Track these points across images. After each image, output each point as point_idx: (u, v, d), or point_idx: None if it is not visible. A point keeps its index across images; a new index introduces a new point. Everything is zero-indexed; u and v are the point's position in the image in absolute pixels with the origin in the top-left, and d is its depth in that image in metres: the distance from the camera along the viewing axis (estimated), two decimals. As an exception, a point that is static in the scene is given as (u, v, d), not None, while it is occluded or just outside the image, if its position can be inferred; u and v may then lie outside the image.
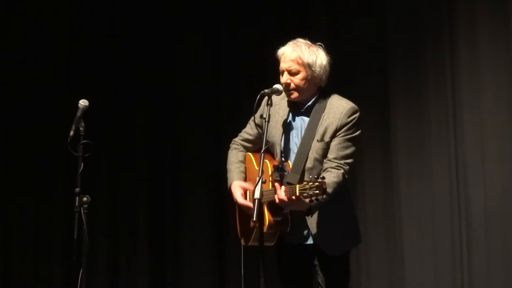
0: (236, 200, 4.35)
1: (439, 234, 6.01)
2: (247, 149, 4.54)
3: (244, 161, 4.51)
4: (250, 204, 4.21)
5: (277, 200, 4.07)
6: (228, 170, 4.50)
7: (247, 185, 4.38)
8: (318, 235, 4.23)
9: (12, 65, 6.75)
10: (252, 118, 4.50)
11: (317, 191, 3.91)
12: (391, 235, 6.17)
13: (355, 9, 6.36)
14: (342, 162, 4.21)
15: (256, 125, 4.49)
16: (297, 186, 3.99)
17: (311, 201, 3.97)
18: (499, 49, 5.90)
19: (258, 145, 4.47)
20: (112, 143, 6.73)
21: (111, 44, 6.80)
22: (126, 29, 6.82)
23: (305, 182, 3.96)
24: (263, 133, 4.19)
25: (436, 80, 6.10)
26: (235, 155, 4.53)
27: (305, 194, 3.94)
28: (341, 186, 4.15)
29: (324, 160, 4.24)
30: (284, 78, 4.28)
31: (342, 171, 4.18)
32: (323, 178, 3.95)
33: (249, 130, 4.55)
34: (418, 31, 6.17)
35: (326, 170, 4.18)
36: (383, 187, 6.24)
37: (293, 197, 4.00)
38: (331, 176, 4.13)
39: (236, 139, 4.59)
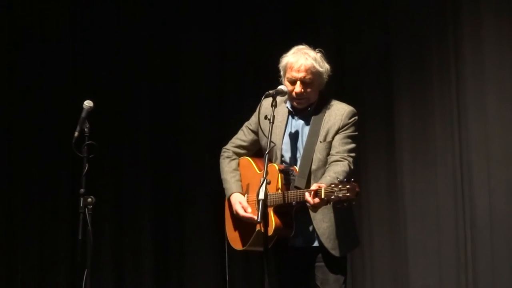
0: (237, 213, 4.37)
1: (444, 235, 6.01)
2: (239, 156, 4.55)
3: (238, 169, 4.52)
4: (252, 216, 4.26)
5: (312, 202, 4.02)
6: (224, 181, 4.52)
7: (246, 203, 4.37)
8: (325, 236, 4.24)
9: (17, 67, 6.75)
10: (246, 124, 4.54)
11: (348, 194, 3.90)
12: (396, 235, 6.16)
13: (360, 12, 6.35)
14: (345, 154, 4.25)
15: (251, 130, 4.51)
16: (323, 188, 3.99)
17: (338, 203, 3.94)
18: (504, 50, 5.90)
19: (252, 151, 4.52)
20: (116, 143, 6.73)
21: (113, 43, 6.80)
22: (127, 27, 6.81)
23: (333, 185, 3.96)
24: (266, 135, 4.20)
25: (441, 80, 6.10)
26: (228, 164, 4.53)
27: (333, 197, 3.94)
28: (349, 176, 4.13)
29: (328, 157, 4.26)
30: (298, 88, 4.27)
31: (346, 161, 4.22)
32: (354, 181, 3.93)
33: (243, 136, 4.55)
34: (422, 32, 6.17)
35: (332, 164, 4.22)
36: (388, 188, 6.24)
37: (318, 200, 4.01)
38: (339, 167, 4.17)
39: (227, 146, 4.59)
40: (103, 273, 6.55)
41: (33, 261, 6.62)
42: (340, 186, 3.93)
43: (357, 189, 3.92)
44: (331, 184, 3.97)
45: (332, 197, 3.94)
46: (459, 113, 6.01)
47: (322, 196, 3.97)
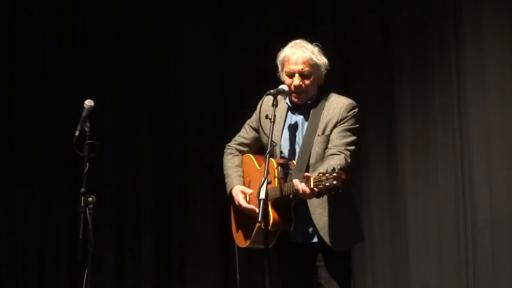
0: (240, 204, 4.36)
1: (445, 234, 6.00)
2: (242, 153, 4.56)
3: (241, 165, 4.52)
4: (254, 207, 4.24)
5: (301, 191, 4.01)
6: (226, 176, 4.52)
7: (248, 190, 4.38)
8: (324, 231, 4.22)
9: (18, 64, 6.75)
10: (248, 121, 4.54)
11: (335, 182, 3.87)
12: (397, 235, 6.16)
13: (361, 10, 6.35)
14: (342, 148, 4.22)
15: (253, 128, 4.51)
16: (311, 178, 3.97)
17: (328, 192, 3.93)
18: (505, 49, 5.89)
19: (254, 149, 4.53)
20: (117, 143, 6.73)
21: (114, 43, 6.80)
22: (128, 25, 6.81)
23: (321, 174, 3.93)
24: (267, 134, 4.20)
25: (442, 80, 6.09)
26: (231, 160, 4.55)
27: (321, 186, 3.91)
28: (346, 170, 4.10)
29: (326, 151, 4.24)
30: (296, 80, 4.27)
31: (343, 155, 4.19)
32: (340, 169, 3.92)
33: (245, 134, 4.56)
34: (424, 32, 6.17)
35: (328, 157, 4.19)
36: (389, 187, 6.23)
37: (308, 188, 3.99)
38: (335, 160, 4.13)
39: (230, 144, 4.61)
40: (104, 272, 6.55)
41: (34, 261, 6.63)
42: (327, 175, 3.90)
43: (342, 177, 3.87)
44: (319, 173, 3.95)
45: (320, 186, 3.92)
46: (460, 112, 6.00)
47: (311, 186, 3.95)
